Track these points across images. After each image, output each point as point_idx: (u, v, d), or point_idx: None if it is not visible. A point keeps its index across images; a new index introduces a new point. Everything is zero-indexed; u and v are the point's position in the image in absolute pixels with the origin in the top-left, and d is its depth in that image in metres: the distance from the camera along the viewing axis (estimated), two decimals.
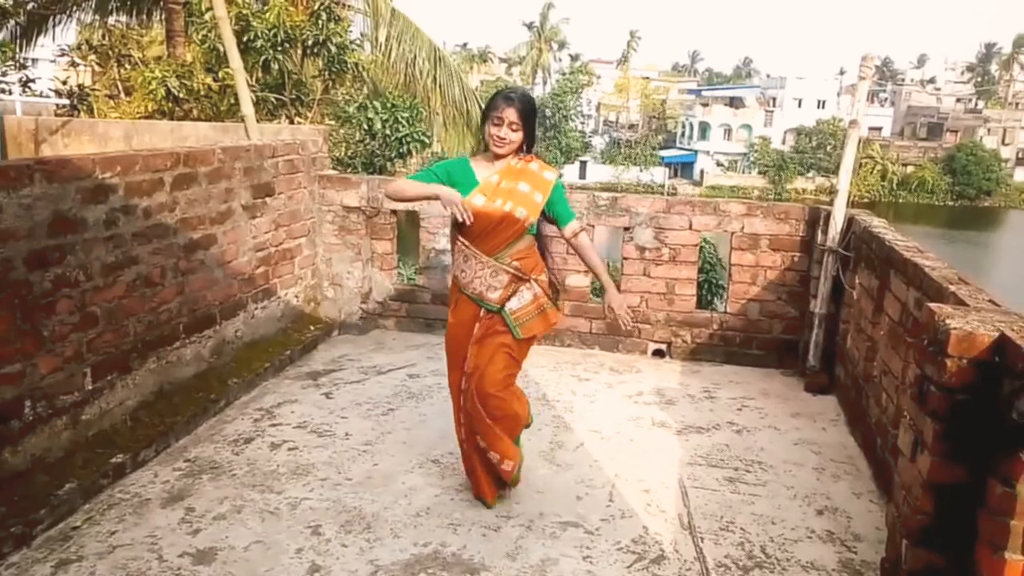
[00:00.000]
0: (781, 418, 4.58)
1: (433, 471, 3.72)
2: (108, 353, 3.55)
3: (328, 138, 6.30)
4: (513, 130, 3.15)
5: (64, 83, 11.19)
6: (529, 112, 3.20)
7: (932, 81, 78.95)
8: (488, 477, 3.37)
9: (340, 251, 5.88)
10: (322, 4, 10.58)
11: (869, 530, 3.34)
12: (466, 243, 3.19)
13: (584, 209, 5.53)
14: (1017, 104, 69.98)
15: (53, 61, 12.96)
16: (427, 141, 12.53)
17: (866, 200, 51.90)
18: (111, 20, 12.73)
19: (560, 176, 3.28)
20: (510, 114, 3.14)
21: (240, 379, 4.53)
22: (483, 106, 3.26)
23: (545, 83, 67.44)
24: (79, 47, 12.04)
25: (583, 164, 57.38)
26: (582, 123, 59.47)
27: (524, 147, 3.25)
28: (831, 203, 5.10)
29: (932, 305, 2.55)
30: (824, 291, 5.03)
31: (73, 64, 11.68)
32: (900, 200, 56.70)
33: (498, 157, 3.23)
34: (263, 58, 10.10)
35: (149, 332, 3.85)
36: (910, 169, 58.79)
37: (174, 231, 4.02)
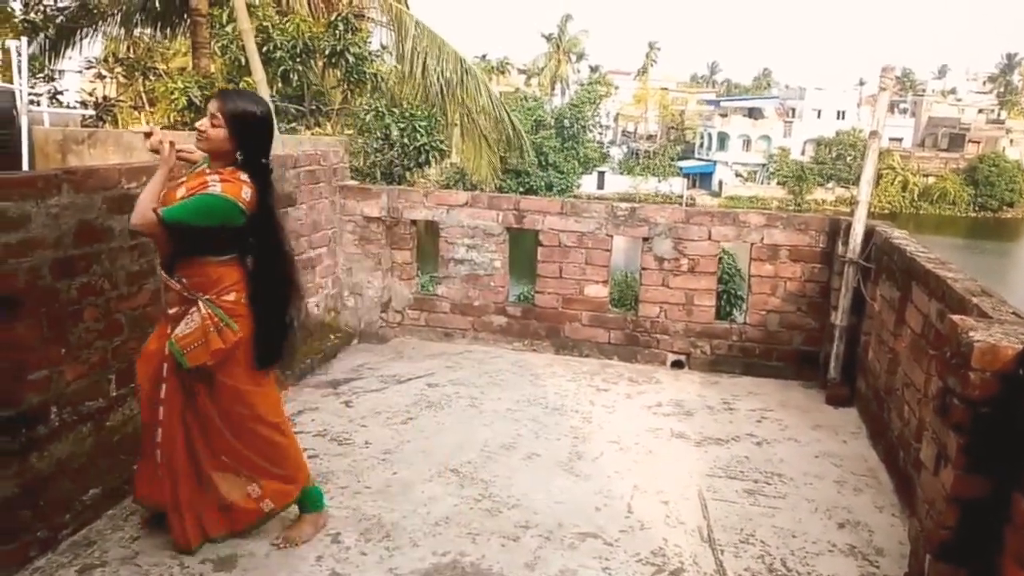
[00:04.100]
0: (801, 430, 4.55)
1: (452, 480, 3.73)
2: (132, 360, 3.57)
3: (347, 148, 6.36)
4: (213, 125, 2.80)
5: (90, 94, 11.38)
6: (235, 113, 2.81)
7: (953, 92, 78.34)
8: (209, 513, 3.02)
9: (360, 261, 5.92)
10: (339, 15, 10.70)
11: (891, 544, 3.31)
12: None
13: (603, 219, 5.54)
14: None
15: (80, 73, 13.18)
16: (445, 150, 12.60)
17: (887, 211, 51.53)
18: (136, 33, 12.95)
19: (243, 201, 2.80)
20: (212, 106, 2.85)
21: None
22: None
23: (563, 94, 67.59)
24: (105, 59, 12.25)
25: (601, 175, 57.37)
26: (600, 134, 59.48)
27: (239, 159, 2.86)
28: (851, 214, 5.07)
29: (955, 317, 2.53)
30: (845, 303, 4.99)
31: (100, 76, 11.89)
32: (921, 211, 56.23)
33: (213, 160, 2.90)
34: (282, 69, 10.22)
35: None
36: (931, 180, 58.32)
37: None
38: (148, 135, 2.95)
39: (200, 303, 2.85)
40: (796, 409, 4.88)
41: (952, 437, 2.36)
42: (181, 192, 2.84)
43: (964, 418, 2.30)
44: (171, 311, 2.92)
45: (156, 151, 2.89)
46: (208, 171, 2.88)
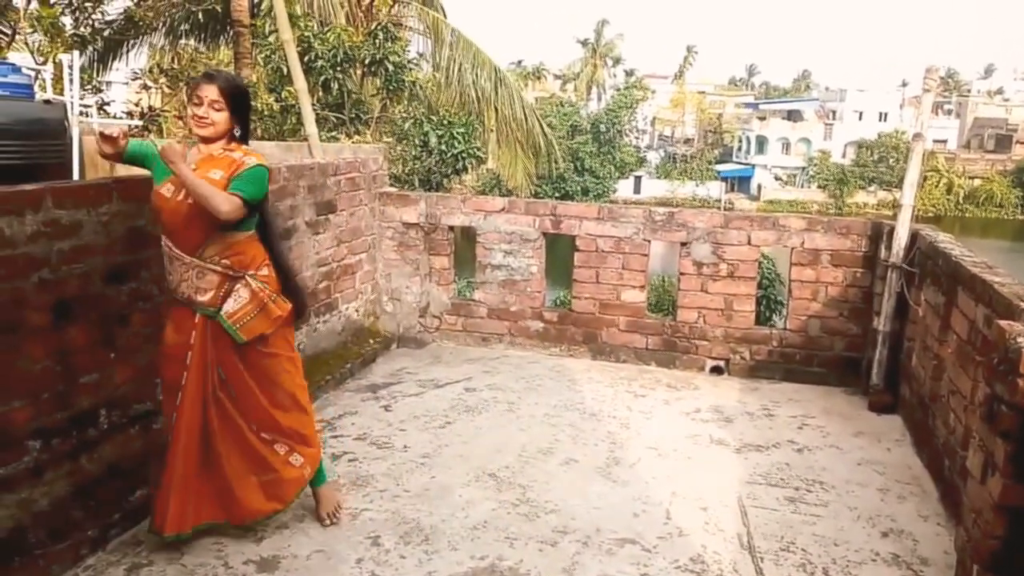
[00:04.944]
0: (843, 437, 4.48)
1: (490, 484, 3.75)
2: None
3: (387, 156, 6.44)
4: (216, 109, 2.88)
5: (136, 105, 11.65)
6: (235, 92, 2.94)
7: (1000, 92, 76.38)
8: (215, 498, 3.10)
9: (399, 266, 5.98)
10: (379, 24, 10.84)
11: (937, 554, 3.25)
12: (167, 242, 2.97)
13: (640, 224, 5.53)
14: None
15: (126, 84, 13.52)
16: (483, 157, 12.67)
17: (931, 214, 50.45)
18: (180, 44, 13.27)
19: (265, 167, 3.00)
20: (210, 91, 2.87)
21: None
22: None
23: (600, 99, 67.47)
24: (150, 70, 12.54)
25: (638, 179, 57.09)
26: (637, 138, 59.23)
27: (237, 135, 3.01)
28: (894, 217, 5.00)
29: (1002, 323, 2.49)
30: (888, 308, 4.91)
31: (145, 87, 12.17)
32: (967, 214, 54.94)
33: (205, 143, 2.96)
34: (323, 78, 10.38)
35: None
36: (977, 182, 56.94)
37: None
38: (111, 138, 2.83)
39: (247, 278, 2.97)
40: (838, 416, 4.81)
41: (1000, 445, 2.32)
42: (216, 175, 2.88)
43: (1012, 425, 2.26)
44: (204, 297, 2.95)
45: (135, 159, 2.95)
46: (219, 152, 2.95)
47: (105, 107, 11.34)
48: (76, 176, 4.91)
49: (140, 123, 10.68)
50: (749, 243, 5.42)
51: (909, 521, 3.53)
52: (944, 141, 60.84)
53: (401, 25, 12.06)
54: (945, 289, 4.03)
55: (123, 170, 6.27)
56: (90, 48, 12.03)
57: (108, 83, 13.14)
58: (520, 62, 64.18)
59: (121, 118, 11.25)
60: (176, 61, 12.83)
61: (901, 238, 4.88)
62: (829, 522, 3.49)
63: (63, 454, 2.97)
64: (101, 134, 2.85)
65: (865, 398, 5.03)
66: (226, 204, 2.80)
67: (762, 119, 63.23)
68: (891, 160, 54.36)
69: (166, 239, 2.98)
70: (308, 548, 3.15)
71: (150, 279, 3.44)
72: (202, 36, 13.39)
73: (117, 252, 3.25)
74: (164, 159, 2.78)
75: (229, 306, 2.95)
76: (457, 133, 11.53)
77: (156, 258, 3.49)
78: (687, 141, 65.09)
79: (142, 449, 3.44)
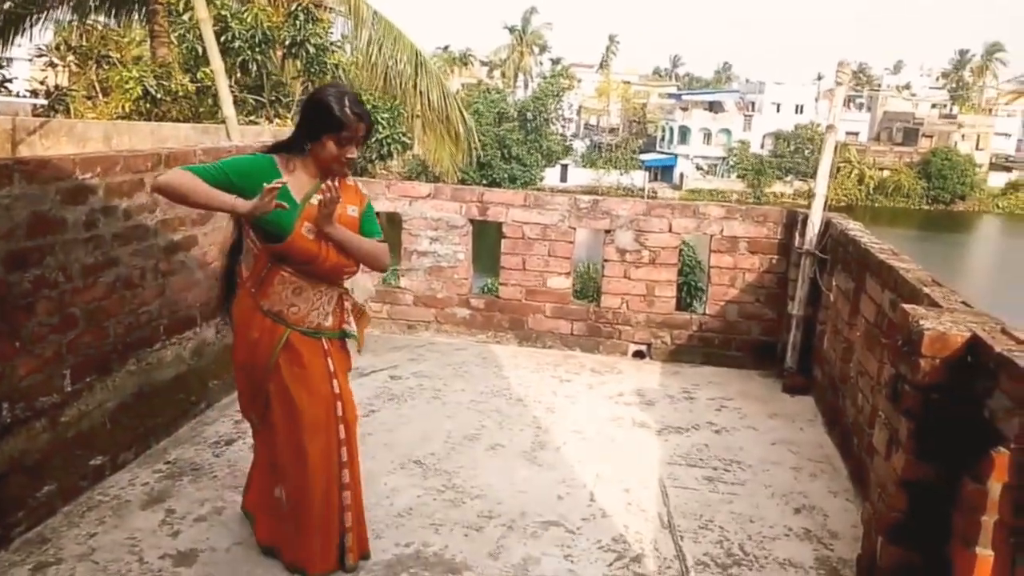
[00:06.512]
0: (759, 418, 4.63)
1: (415, 472, 3.73)
2: (87, 355, 3.52)
3: None
4: (358, 145, 2.68)
5: (42, 83, 11.07)
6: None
7: (908, 87, 79.96)
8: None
9: None
10: (300, 5, 10.57)
11: (845, 528, 3.39)
12: (295, 275, 2.72)
13: (566, 212, 5.57)
14: (990, 110, 71.23)
15: (30, 61, 12.83)
16: (408, 143, 12.52)
17: (843, 204, 52.43)
18: (90, 20, 12.62)
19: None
20: (362, 130, 2.66)
21: (220, 381, 4.51)
22: (318, 115, 2.63)
23: (527, 86, 67.59)
24: (57, 47, 11.92)
25: (564, 167, 57.53)
26: (563, 126, 59.66)
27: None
28: (809, 206, 5.17)
29: (906, 306, 2.60)
30: (801, 293, 5.09)
31: (51, 64, 11.57)
32: (877, 204, 57.38)
33: (327, 176, 2.69)
34: (241, 59, 10.08)
35: (129, 334, 3.82)
36: (886, 174, 59.50)
37: (154, 232, 3.99)
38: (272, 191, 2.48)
39: (344, 293, 2.95)
40: (754, 398, 4.97)
41: (903, 422, 2.43)
42: (353, 212, 2.79)
43: (915, 404, 2.37)
44: (329, 321, 2.86)
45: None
46: (343, 185, 2.75)
47: (6, 84, 10.75)
48: None
49: (46, 102, 10.17)
50: (670, 231, 5.52)
51: (820, 497, 3.68)
52: (856, 133, 63.36)
53: (321, 6, 11.76)
54: (855, 275, 4.20)
55: (26, 150, 5.97)
56: None
57: (9, 59, 12.42)
58: (447, 47, 63.70)
59: (25, 96, 10.69)
60: (84, 38, 12.21)
61: (814, 226, 5.06)
62: (745, 500, 3.61)
63: None
64: (268, 191, 2.47)
65: (780, 380, 5.21)
66: (387, 258, 2.89)
67: (685, 110, 64.51)
68: (806, 151, 56.22)
69: (294, 272, 2.71)
70: (228, 540, 3.07)
71: (56, 266, 3.29)
72: (113, 12, 12.76)
73: (20, 237, 3.10)
74: (322, 227, 2.63)
75: (350, 323, 2.92)
76: (381, 118, 11.36)
77: (63, 245, 3.34)
78: (612, 130, 65.89)
79: (48, 444, 3.30)
